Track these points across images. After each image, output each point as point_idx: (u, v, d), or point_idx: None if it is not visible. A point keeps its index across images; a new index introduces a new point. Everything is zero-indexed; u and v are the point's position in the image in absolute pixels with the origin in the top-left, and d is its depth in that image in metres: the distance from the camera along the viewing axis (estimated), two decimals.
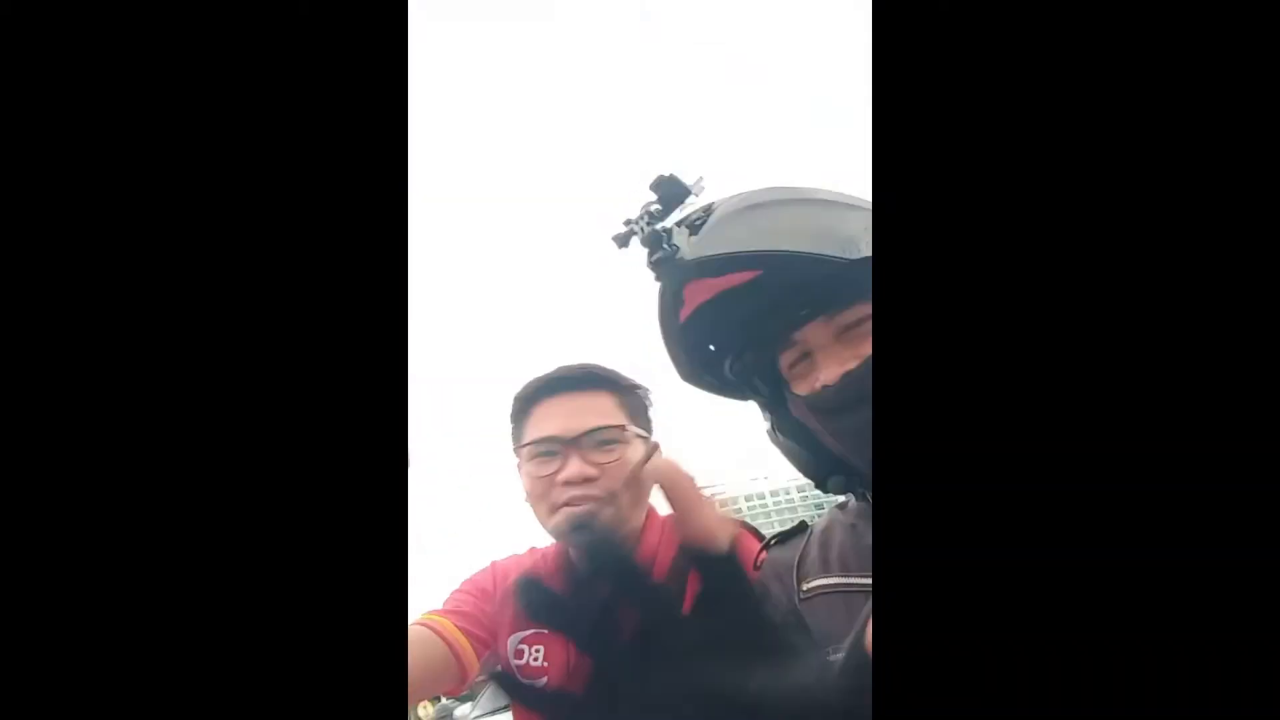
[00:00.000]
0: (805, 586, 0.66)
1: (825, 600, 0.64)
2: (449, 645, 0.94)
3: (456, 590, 1.03)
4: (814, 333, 0.61)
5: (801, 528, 0.75)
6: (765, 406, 0.70)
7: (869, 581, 0.62)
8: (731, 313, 0.62)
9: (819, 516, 0.75)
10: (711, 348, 0.67)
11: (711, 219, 0.60)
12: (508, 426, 0.98)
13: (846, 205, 0.61)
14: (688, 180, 0.60)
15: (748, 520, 0.98)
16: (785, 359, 0.64)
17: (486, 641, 0.98)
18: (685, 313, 0.63)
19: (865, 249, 0.58)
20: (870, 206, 0.60)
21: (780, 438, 0.69)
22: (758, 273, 0.58)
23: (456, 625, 0.96)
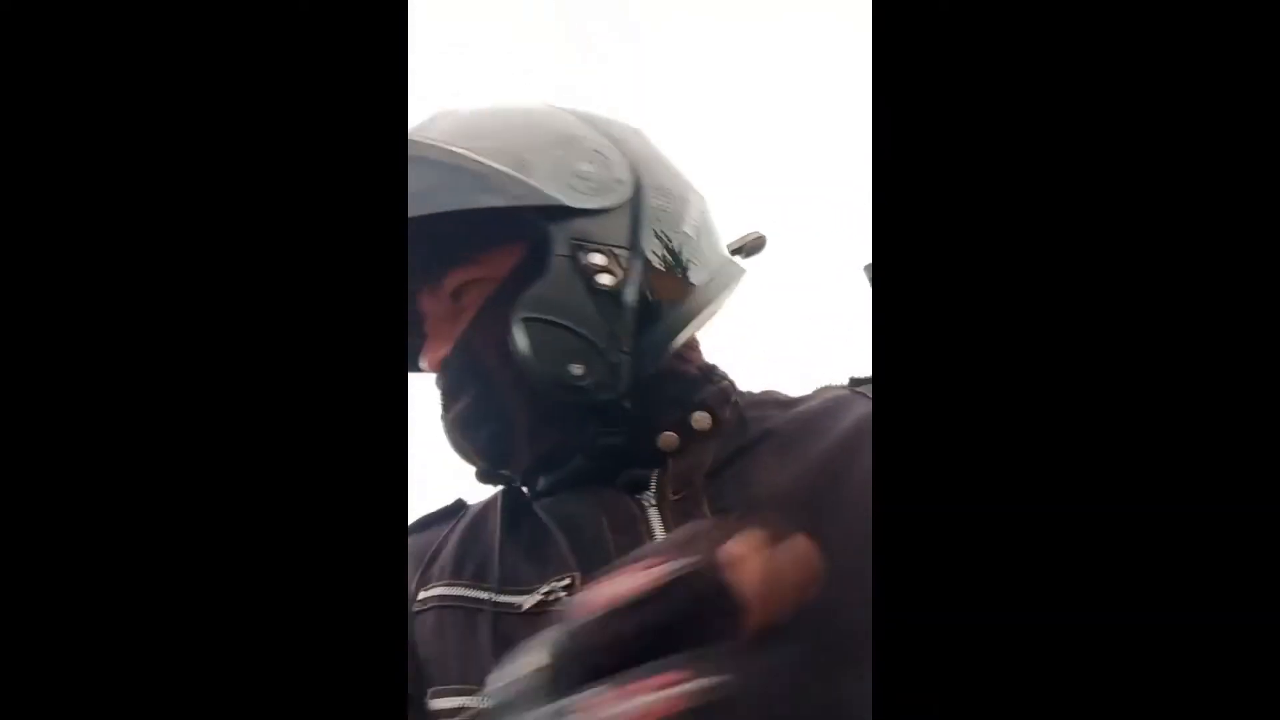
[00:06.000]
0: (422, 594, 0.51)
1: (438, 615, 0.50)
2: None
3: None
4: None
5: (457, 508, 0.58)
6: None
7: (488, 596, 0.49)
8: None
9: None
10: None
11: None
12: None
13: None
14: None
15: None
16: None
17: None
18: None
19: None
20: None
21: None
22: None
23: None
